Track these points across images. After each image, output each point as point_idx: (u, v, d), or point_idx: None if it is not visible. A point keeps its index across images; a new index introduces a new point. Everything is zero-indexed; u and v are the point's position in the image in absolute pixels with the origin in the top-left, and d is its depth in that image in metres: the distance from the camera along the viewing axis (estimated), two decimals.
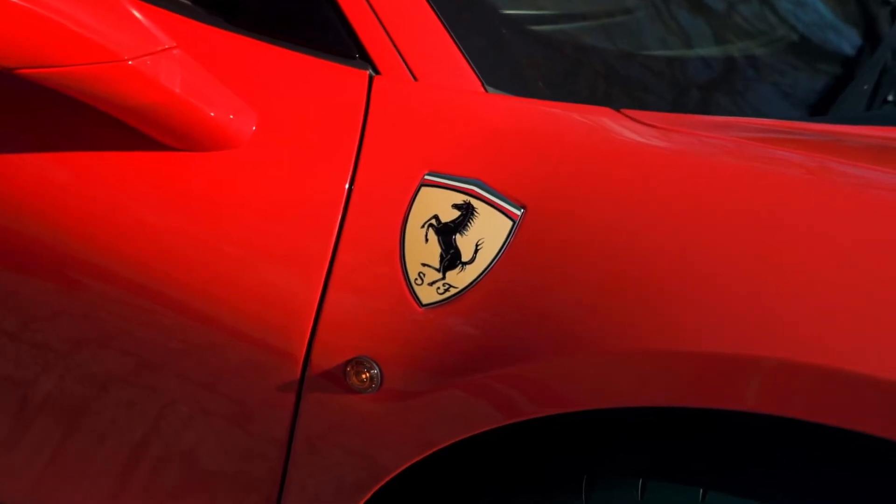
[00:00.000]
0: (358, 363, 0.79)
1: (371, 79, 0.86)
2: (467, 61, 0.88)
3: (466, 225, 0.78)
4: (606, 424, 0.81)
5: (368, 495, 0.85)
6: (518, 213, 0.77)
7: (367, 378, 0.79)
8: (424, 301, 0.78)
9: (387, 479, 0.84)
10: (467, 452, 0.85)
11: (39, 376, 0.96)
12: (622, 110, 0.90)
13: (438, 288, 0.78)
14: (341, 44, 0.87)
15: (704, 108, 1.15)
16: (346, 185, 0.81)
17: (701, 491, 0.75)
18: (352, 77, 0.86)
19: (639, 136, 0.86)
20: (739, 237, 0.72)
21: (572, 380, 0.74)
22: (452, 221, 0.79)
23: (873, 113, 1.13)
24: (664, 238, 0.74)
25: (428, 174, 0.80)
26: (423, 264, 0.78)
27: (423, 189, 0.80)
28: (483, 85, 0.88)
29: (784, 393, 0.68)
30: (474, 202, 0.79)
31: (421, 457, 0.81)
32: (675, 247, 0.73)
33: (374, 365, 0.79)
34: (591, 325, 0.73)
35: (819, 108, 1.13)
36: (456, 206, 0.79)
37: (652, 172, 0.78)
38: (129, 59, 0.71)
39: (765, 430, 0.76)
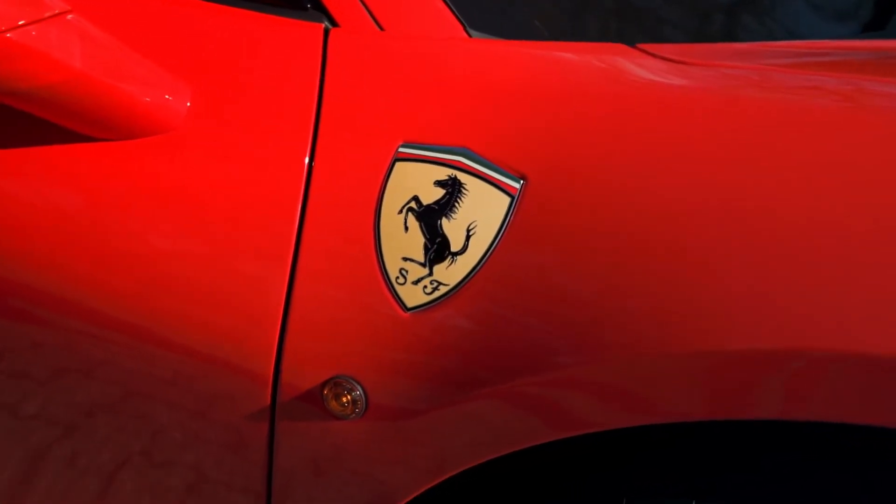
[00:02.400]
0: (336, 384, 0.65)
1: (327, 32, 0.70)
2: (444, 1, 0.72)
3: (454, 206, 0.63)
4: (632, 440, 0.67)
5: None
6: (517, 185, 0.62)
7: (348, 402, 0.65)
8: (409, 304, 0.63)
9: (403, 501, 0.71)
10: (497, 472, 0.72)
11: (20, 403, 0.84)
12: (638, 45, 0.74)
13: (425, 287, 0.63)
14: None
15: (731, 35, 0.99)
16: (306, 161, 0.66)
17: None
18: (303, 32, 0.70)
19: (658, 76, 0.71)
20: (769, 192, 0.58)
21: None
22: (436, 203, 0.63)
23: None
24: (692, 199, 0.59)
25: (402, 145, 0.65)
26: (405, 258, 0.63)
27: (398, 164, 0.64)
28: (465, 29, 0.72)
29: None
30: (462, 177, 0.63)
31: (437, 480, 0.68)
32: (704, 209, 0.59)
33: (356, 385, 0.64)
34: (621, 320, 0.58)
35: (874, 24, 0.96)
36: (439, 184, 0.63)
37: (674, 119, 0.63)
38: (5, 31, 0.56)
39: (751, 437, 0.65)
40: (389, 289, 0.64)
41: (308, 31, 0.70)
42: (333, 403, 0.66)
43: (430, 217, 0.63)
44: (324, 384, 0.66)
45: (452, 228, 0.63)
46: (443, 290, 0.63)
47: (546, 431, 0.63)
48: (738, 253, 0.57)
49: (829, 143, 0.60)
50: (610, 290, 0.59)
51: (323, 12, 0.71)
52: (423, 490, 0.69)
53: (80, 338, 0.74)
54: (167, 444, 0.77)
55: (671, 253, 0.58)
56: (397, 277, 0.63)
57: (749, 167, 0.59)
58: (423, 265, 0.63)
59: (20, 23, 0.57)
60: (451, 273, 0.62)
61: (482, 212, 0.62)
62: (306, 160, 0.66)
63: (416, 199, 0.64)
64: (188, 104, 0.68)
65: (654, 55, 0.72)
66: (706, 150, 0.61)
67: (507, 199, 0.62)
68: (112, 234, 0.70)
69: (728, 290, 0.56)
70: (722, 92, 0.67)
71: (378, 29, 0.70)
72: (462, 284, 0.62)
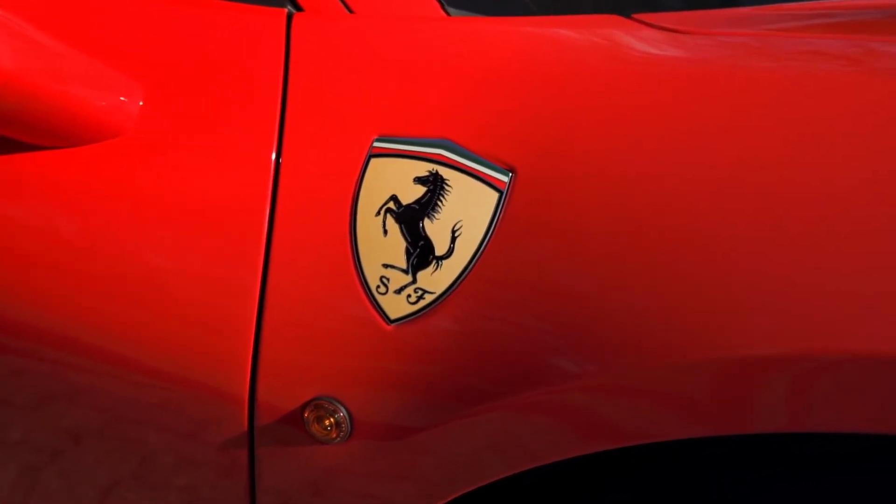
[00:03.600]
0: (317, 406, 0.59)
1: (290, 18, 0.63)
2: None
3: (437, 205, 0.57)
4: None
5: None
6: (505, 179, 0.56)
7: (331, 425, 0.59)
8: (393, 315, 0.57)
9: None
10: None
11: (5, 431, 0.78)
12: (633, 16, 0.67)
13: (409, 296, 0.57)
14: None
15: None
16: (273, 158, 0.60)
17: None
18: (264, 18, 0.64)
19: (657, 49, 0.64)
20: (778, 174, 0.52)
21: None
22: (417, 202, 0.57)
23: None
24: (697, 185, 0.53)
25: (377, 140, 0.58)
26: (386, 265, 0.57)
27: (373, 161, 0.58)
28: (443, 7, 0.66)
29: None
30: (444, 172, 0.57)
31: (450, 497, 0.63)
32: (711, 196, 0.53)
33: (339, 406, 0.59)
34: (629, 323, 0.52)
35: None
36: (420, 181, 0.57)
37: (674, 97, 0.57)
38: None
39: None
40: (370, 299, 0.58)
41: (269, 18, 0.64)
42: (315, 427, 0.60)
43: (410, 218, 0.57)
44: (304, 406, 0.60)
45: (436, 230, 0.56)
46: (428, 298, 0.56)
47: (578, 444, 0.57)
48: (750, 242, 0.51)
49: (837, 115, 0.53)
50: (614, 291, 0.53)
51: None
52: None
53: (45, 363, 0.68)
54: (158, 468, 0.72)
55: (680, 246, 0.52)
56: (378, 287, 0.57)
57: (754, 148, 0.53)
58: (406, 272, 0.57)
59: None
60: (436, 280, 0.56)
61: (468, 210, 0.56)
62: (273, 157, 0.60)
63: (394, 198, 0.58)
64: (140, 103, 0.62)
65: (651, 25, 0.66)
66: (709, 131, 0.55)
67: (495, 195, 0.56)
68: (69, 251, 0.64)
69: (742, 286, 0.50)
70: (722, 63, 0.61)
71: (346, 11, 0.64)
72: (449, 292, 0.56)
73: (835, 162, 0.51)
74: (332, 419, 0.59)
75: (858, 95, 0.54)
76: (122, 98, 0.62)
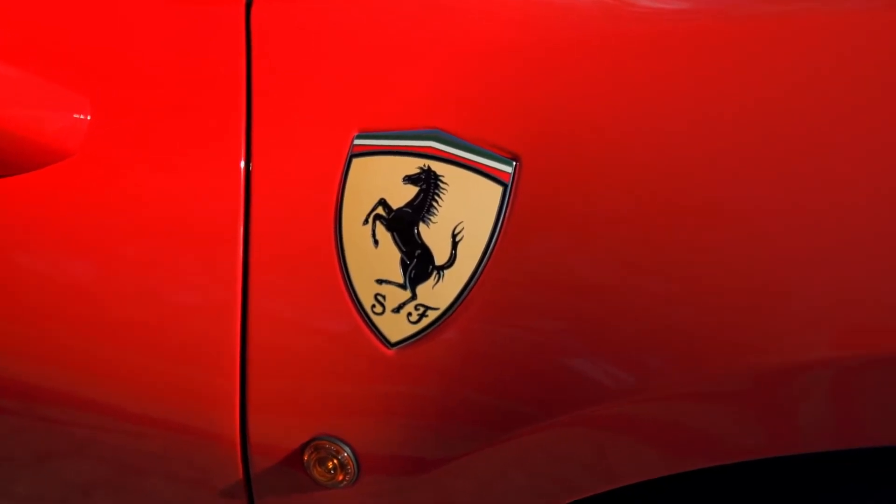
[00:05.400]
0: (317, 448, 0.52)
1: (249, 4, 0.56)
2: None
3: (432, 206, 0.49)
4: None
5: None
6: (508, 169, 0.47)
7: (334, 467, 0.51)
8: (393, 338, 0.49)
9: None
10: None
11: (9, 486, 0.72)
12: None
13: (409, 314, 0.49)
14: None
15: None
16: (242, 166, 0.52)
17: None
18: (219, 8, 0.56)
19: (661, 3, 0.55)
20: (815, 139, 0.44)
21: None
22: (409, 205, 0.49)
23: None
24: (727, 155, 0.45)
25: (358, 136, 0.50)
26: (380, 280, 0.49)
27: (356, 161, 0.50)
28: None
29: None
30: (437, 167, 0.49)
31: None
32: (744, 165, 0.45)
33: (342, 446, 0.51)
34: (670, 321, 0.45)
35: None
36: (410, 180, 0.49)
37: (687, 58, 0.48)
38: None
39: None
40: (366, 322, 0.50)
41: (225, 7, 0.56)
42: (318, 470, 0.52)
43: (403, 224, 0.49)
44: (303, 448, 0.52)
45: (434, 235, 0.49)
46: (432, 315, 0.49)
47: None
48: (788, 215, 0.43)
49: (854, 60, 0.45)
50: (645, 287, 0.45)
51: None
52: None
53: (36, 419, 0.61)
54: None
55: (715, 226, 0.44)
56: (373, 306, 0.49)
57: (773, 110, 0.45)
58: (404, 287, 0.49)
59: None
60: (439, 293, 0.48)
61: (469, 209, 0.48)
62: (241, 165, 0.52)
63: (383, 202, 0.50)
64: (88, 118, 0.54)
65: None
66: (727, 92, 0.46)
67: (499, 189, 0.47)
68: (32, 294, 0.57)
69: (784, 271, 0.42)
70: (728, 13, 0.52)
71: None
72: (455, 306, 0.48)
73: (861, 119, 0.43)
74: (335, 461, 0.51)
75: (869, 36, 0.46)
76: (70, 115, 0.54)
